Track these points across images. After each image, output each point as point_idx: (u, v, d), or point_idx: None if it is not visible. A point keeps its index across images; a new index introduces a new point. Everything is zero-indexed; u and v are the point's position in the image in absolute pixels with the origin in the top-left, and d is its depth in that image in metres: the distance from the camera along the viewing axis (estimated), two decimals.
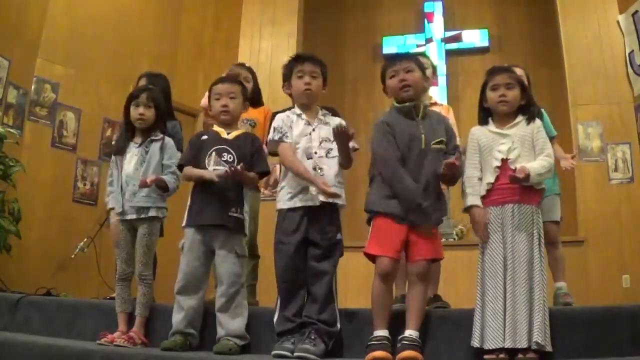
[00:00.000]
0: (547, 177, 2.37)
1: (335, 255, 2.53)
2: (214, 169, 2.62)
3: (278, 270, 2.54)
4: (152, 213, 2.80)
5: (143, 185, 2.73)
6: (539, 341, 2.11)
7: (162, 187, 2.79)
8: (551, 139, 3.01)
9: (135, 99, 2.87)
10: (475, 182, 2.40)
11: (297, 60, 2.69)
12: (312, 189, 2.49)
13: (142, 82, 3.49)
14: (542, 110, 3.25)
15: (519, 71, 3.28)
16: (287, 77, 2.70)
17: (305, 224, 2.50)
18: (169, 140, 2.93)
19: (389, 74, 2.53)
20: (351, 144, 2.58)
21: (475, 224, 2.37)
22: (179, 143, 3.20)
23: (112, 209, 2.88)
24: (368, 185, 2.52)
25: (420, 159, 2.40)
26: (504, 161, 2.33)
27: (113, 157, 2.93)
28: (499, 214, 2.32)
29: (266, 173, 2.79)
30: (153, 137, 2.88)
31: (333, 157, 2.57)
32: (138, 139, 2.89)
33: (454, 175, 2.41)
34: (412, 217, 2.34)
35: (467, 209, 2.40)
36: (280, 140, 2.59)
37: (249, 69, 3.71)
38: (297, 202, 2.52)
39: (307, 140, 2.58)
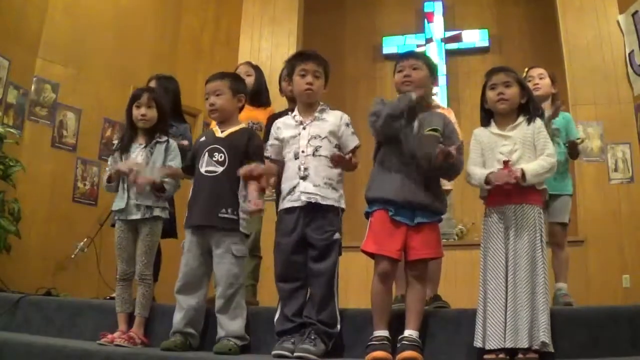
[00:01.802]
0: (547, 177, 2.35)
1: (332, 255, 2.48)
2: (205, 170, 2.62)
3: (276, 270, 2.53)
4: (156, 213, 2.80)
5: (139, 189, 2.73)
6: (546, 341, 2.11)
7: (159, 190, 2.79)
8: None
9: (137, 100, 2.87)
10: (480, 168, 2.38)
11: (300, 57, 2.66)
12: (297, 190, 2.49)
13: (152, 84, 3.48)
14: (569, 114, 3.29)
15: (539, 70, 3.32)
16: (289, 74, 2.69)
17: (301, 225, 2.48)
18: (173, 143, 2.92)
19: (397, 69, 2.56)
20: (354, 144, 2.58)
21: (498, 179, 2.25)
22: (190, 145, 3.20)
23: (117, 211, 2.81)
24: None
25: (413, 144, 2.39)
26: (506, 163, 2.32)
27: (115, 154, 2.88)
28: (501, 215, 2.31)
29: None
30: (158, 139, 2.87)
31: (320, 155, 2.52)
32: (142, 140, 2.87)
33: (450, 165, 2.33)
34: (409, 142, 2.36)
35: (487, 182, 2.30)
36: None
37: (254, 66, 3.71)
38: (286, 204, 2.53)
39: (296, 141, 2.56)
